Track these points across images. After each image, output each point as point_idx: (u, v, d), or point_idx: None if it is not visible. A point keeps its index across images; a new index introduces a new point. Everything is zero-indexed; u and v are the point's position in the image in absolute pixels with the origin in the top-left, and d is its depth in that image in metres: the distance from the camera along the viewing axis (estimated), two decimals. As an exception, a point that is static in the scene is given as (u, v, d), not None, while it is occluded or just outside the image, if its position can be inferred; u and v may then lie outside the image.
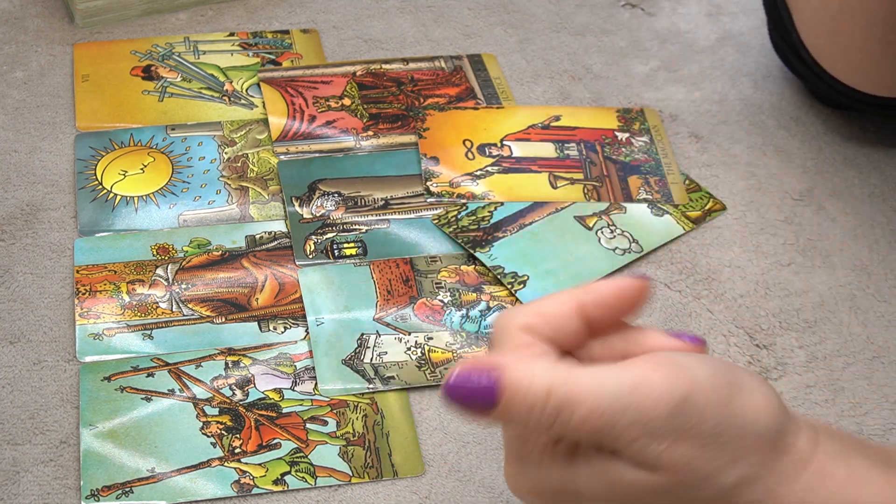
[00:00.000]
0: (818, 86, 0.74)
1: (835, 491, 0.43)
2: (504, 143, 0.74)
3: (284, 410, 0.60)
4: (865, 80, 0.71)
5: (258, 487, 0.57)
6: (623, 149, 0.74)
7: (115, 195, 0.70)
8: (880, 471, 0.44)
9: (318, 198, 0.70)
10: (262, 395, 0.61)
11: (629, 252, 0.69)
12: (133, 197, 0.70)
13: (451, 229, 0.69)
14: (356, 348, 0.63)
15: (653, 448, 0.42)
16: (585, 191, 0.72)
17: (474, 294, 0.66)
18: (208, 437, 0.59)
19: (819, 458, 0.44)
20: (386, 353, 0.63)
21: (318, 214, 0.69)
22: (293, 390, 0.61)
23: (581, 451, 0.44)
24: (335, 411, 0.61)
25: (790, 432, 0.44)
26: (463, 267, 0.67)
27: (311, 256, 0.67)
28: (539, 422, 0.42)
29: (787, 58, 0.76)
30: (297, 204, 0.70)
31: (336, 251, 0.68)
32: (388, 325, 0.64)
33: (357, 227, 0.69)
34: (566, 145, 0.74)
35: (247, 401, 0.61)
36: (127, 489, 0.57)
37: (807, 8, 0.71)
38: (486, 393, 0.41)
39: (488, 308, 0.65)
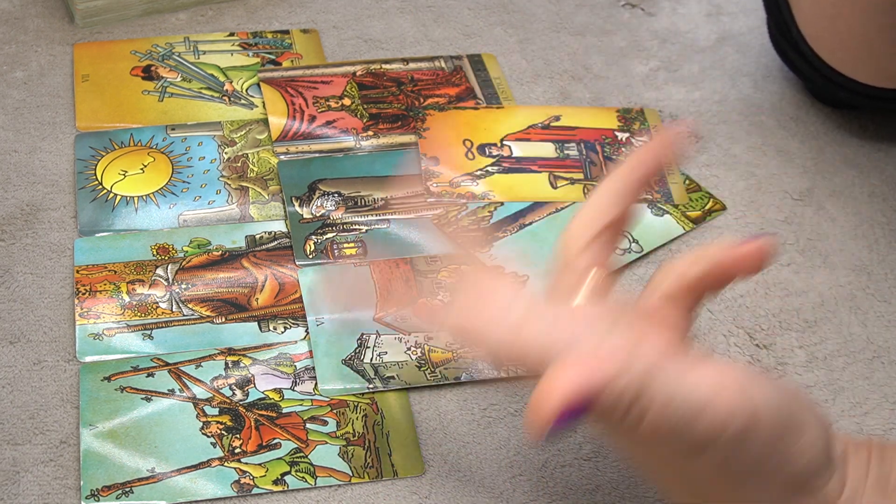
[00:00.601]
0: (817, 81, 0.74)
1: None
2: (504, 143, 0.74)
3: (284, 410, 0.60)
4: (863, 70, 0.71)
5: (258, 487, 0.57)
6: (623, 149, 0.74)
7: (115, 195, 0.70)
8: None
9: (318, 198, 0.70)
10: (262, 395, 0.61)
11: (629, 252, 0.69)
12: (133, 197, 0.70)
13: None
14: (356, 348, 0.63)
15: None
16: (586, 191, 0.72)
17: (474, 294, 0.66)
18: (208, 437, 0.59)
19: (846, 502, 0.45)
20: (386, 353, 0.63)
21: (318, 214, 0.69)
22: (293, 390, 0.61)
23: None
24: (335, 411, 0.61)
25: (822, 476, 0.45)
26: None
27: (311, 256, 0.67)
28: (619, 409, 0.43)
29: (786, 53, 0.76)
30: (297, 204, 0.70)
31: (336, 251, 0.68)
32: (388, 325, 0.64)
33: (357, 227, 0.69)
34: (566, 145, 0.74)
35: (247, 401, 0.61)
36: (127, 489, 0.57)
37: None
38: (581, 412, 0.43)
39: (488, 308, 0.65)
